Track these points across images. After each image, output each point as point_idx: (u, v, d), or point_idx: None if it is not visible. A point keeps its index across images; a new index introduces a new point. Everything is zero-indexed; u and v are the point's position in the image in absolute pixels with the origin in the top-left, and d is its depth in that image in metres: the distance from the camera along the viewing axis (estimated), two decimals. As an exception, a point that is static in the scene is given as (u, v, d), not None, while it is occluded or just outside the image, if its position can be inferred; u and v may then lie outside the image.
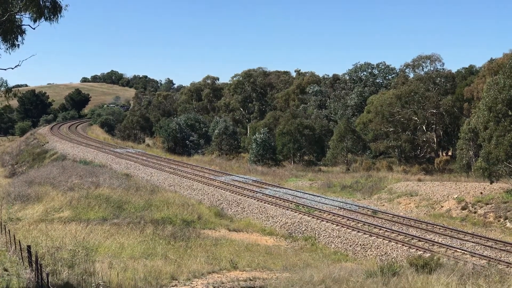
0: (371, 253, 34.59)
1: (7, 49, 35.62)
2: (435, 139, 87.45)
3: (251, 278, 22.91)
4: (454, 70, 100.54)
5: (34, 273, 18.71)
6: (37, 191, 47.33)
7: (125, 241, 30.68)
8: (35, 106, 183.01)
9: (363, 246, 35.72)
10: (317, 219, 42.02)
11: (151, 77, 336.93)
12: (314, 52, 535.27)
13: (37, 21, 34.59)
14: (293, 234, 40.62)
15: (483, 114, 47.20)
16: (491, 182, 47.33)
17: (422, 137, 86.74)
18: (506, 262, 29.97)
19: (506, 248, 32.95)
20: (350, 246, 36.38)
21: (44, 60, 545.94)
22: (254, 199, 49.88)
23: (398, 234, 36.89)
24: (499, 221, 41.73)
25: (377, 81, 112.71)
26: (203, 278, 22.68)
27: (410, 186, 54.00)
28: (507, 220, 41.27)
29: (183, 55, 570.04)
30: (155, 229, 35.54)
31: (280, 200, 49.24)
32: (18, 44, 36.05)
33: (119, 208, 42.67)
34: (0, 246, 26.79)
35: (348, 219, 41.52)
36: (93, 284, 18.61)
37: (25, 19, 35.86)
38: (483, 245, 33.83)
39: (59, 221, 36.44)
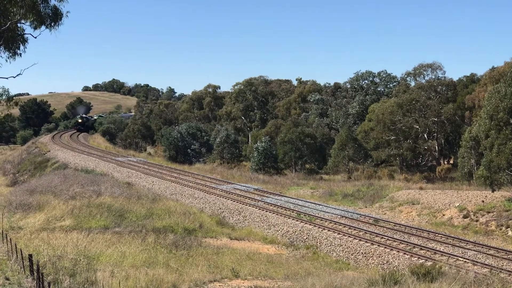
0: (373, 261, 34.55)
1: (8, 58, 35.76)
2: (436, 148, 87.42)
3: (253, 287, 22.89)
4: (455, 78, 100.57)
5: (35, 282, 18.71)
6: (39, 200, 47.32)
7: (126, 249, 30.66)
8: (36, 115, 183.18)
9: (364, 255, 35.68)
10: (319, 227, 41.99)
11: (152, 86, 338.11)
12: (316, 61, 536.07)
13: (38, 29, 34.68)
14: (295, 242, 40.59)
15: (485, 123, 47.23)
16: (493, 191, 47.30)
17: (424, 145, 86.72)
18: (508, 271, 29.91)
19: (508, 256, 32.89)
20: (352, 254, 36.34)
21: (45, 69, 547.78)
22: (256, 208, 49.85)
23: (400, 242, 36.85)
24: (500, 229, 41.69)
25: (379, 89, 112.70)
26: (204, 286, 22.67)
27: (411, 194, 53.97)
28: (509, 229, 41.23)
29: (185, 64, 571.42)
30: (157, 237, 35.52)
31: (281, 208, 49.21)
32: (20, 53, 36.20)
33: (120, 216, 42.62)
34: (1, 255, 26.79)
35: (349, 228, 41.48)
36: (95, 293, 18.60)
37: (27, 28, 36.02)
38: (485, 253, 33.78)
39: (61, 230, 36.42)
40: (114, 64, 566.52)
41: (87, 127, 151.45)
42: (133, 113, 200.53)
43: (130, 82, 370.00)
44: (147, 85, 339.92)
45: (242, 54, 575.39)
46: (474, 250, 34.57)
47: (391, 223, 43.19)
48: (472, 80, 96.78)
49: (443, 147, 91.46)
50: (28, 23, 34.42)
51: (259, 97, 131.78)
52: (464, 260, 32.45)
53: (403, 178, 75.34)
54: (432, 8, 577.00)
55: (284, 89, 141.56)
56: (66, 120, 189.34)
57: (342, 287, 20.61)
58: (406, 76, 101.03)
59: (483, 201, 46.86)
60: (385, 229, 41.22)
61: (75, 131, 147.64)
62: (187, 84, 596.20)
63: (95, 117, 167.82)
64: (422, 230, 40.57)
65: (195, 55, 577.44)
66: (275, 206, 50.13)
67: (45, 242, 30.78)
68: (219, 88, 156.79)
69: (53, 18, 34.19)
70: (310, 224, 43.00)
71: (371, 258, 35.01)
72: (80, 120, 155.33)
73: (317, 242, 39.52)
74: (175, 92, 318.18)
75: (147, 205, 47.94)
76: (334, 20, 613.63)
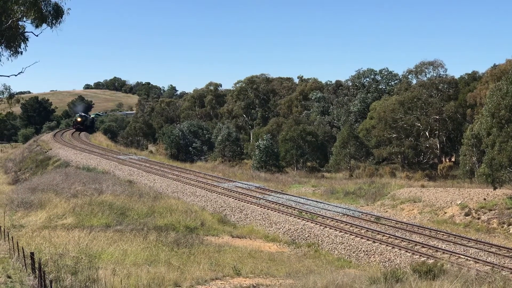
0: (375, 259, 34.54)
1: (10, 56, 35.80)
2: (438, 145, 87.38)
3: (254, 285, 22.87)
4: (457, 76, 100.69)
5: (37, 280, 18.73)
6: (40, 198, 47.30)
7: (128, 247, 30.63)
8: (38, 113, 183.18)
9: (366, 253, 35.66)
10: (320, 225, 41.98)
11: (154, 84, 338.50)
12: (317, 59, 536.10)
13: (40, 27, 34.65)
14: (296, 240, 40.57)
15: (486, 120, 47.18)
16: (495, 188, 47.25)
17: (425, 143, 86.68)
18: (510, 269, 29.89)
19: (510, 254, 32.87)
20: (354, 252, 36.33)
21: (47, 67, 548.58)
22: (257, 206, 49.86)
23: (402, 240, 36.83)
24: (502, 227, 41.66)
25: (380, 87, 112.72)
26: (206, 284, 22.65)
27: (413, 192, 53.92)
28: (511, 226, 41.20)
29: (186, 62, 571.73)
30: (158, 235, 35.50)
31: (283, 206, 49.20)
32: (21, 51, 36.23)
33: (122, 214, 42.61)
34: (3, 253, 26.80)
35: (351, 226, 41.47)
36: (97, 291, 18.60)
37: (28, 26, 36.02)
38: (487, 251, 33.76)
39: (62, 228, 36.42)
40: (116, 63, 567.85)
41: (86, 126, 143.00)
42: (133, 111, 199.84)
43: (131, 80, 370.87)
44: (149, 83, 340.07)
45: (243, 52, 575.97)
46: (476, 248, 34.55)
47: (393, 221, 43.18)
48: (473, 77, 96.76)
49: (445, 145, 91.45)
50: (29, 21, 34.39)
51: (261, 95, 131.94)
52: (466, 258, 32.43)
53: (404, 176, 75.33)
54: (433, 7, 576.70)
55: (286, 87, 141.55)
56: (68, 118, 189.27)
57: (343, 285, 20.58)
58: (407, 73, 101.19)
59: (485, 199, 46.82)
60: (386, 227, 41.21)
61: (75, 130, 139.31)
62: (189, 82, 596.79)
63: (92, 116, 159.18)
64: (424, 228, 40.56)
65: (196, 53, 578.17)
66: (276, 204, 50.12)
67: (46, 240, 30.77)
68: (221, 86, 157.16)
69: (55, 15, 34.14)
70: (311, 222, 43.00)
71: (372, 256, 34.99)
72: (79, 119, 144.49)
73: (318, 240, 39.51)
74: (177, 90, 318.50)
75: (149, 203, 47.93)
76: (336, 19, 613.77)
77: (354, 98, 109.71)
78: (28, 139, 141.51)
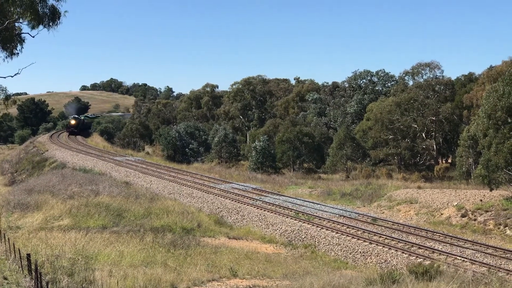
0: (371, 260, 34.56)
1: (6, 57, 35.73)
2: (434, 147, 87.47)
3: (251, 286, 22.88)
4: (453, 78, 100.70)
5: (33, 281, 18.67)
6: (37, 199, 47.20)
7: (124, 249, 30.58)
8: (34, 114, 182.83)
9: (363, 254, 35.68)
10: (317, 226, 41.98)
11: (150, 85, 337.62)
12: (314, 60, 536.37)
13: (36, 29, 34.64)
14: (293, 241, 40.58)
15: (483, 122, 47.24)
16: (491, 190, 47.32)
17: (422, 144, 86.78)
18: (506, 270, 29.93)
19: (506, 255, 32.91)
20: (350, 253, 36.34)
21: (43, 69, 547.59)
22: (254, 207, 49.84)
23: (398, 241, 36.86)
24: (499, 228, 41.73)
25: (377, 88, 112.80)
26: (203, 286, 22.65)
27: (409, 193, 53.98)
28: (507, 228, 41.27)
29: (183, 63, 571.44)
30: (155, 237, 35.46)
31: (279, 207, 49.20)
32: (17, 53, 36.17)
33: (118, 216, 42.53)
34: (-1, 254, 26.74)
35: (348, 227, 41.48)
36: (93, 292, 18.55)
37: (24, 27, 35.98)
38: (483, 252, 33.81)
39: (59, 229, 36.33)
40: (112, 64, 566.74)
41: (81, 129, 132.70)
42: (130, 113, 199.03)
43: (128, 82, 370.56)
44: (145, 85, 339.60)
45: (240, 53, 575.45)
46: (472, 249, 34.60)
47: (389, 222, 43.21)
48: (470, 79, 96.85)
49: (441, 146, 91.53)
50: (25, 23, 34.37)
51: (257, 96, 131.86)
52: (462, 259, 32.46)
53: (401, 177, 75.38)
54: (430, 8, 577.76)
55: (282, 88, 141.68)
56: (64, 119, 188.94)
57: (340, 286, 20.60)
58: (404, 75, 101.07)
59: (481, 200, 46.90)
60: (383, 228, 41.23)
61: (69, 134, 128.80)
62: (185, 83, 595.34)
63: (82, 117, 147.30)
64: (420, 229, 40.59)
65: (193, 54, 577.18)
66: (273, 205, 50.12)
67: (43, 241, 30.68)
68: (217, 87, 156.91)
69: (51, 17, 34.12)
70: (308, 223, 43.00)
71: (369, 257, 35.02)
72: (73, 122, 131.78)
73: (315, 241, 39.52)
74: (173, 92, 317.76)
75: (145, 204, 47.86)
76: (333, 20, 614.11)
77: (350, 100, 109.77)
78: (24, 141, 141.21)
